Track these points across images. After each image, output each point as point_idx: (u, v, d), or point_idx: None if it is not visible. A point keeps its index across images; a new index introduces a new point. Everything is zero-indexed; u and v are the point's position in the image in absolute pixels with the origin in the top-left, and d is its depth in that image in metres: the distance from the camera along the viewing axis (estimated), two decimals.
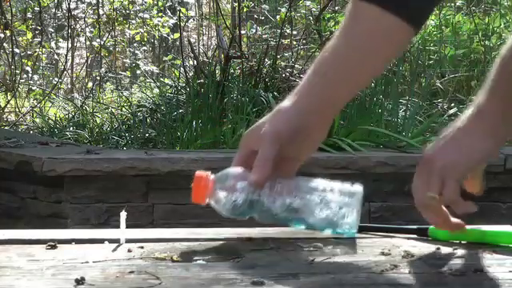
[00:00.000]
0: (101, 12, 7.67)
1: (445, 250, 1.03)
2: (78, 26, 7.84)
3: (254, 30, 6.67)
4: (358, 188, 1.08)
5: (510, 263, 0.95)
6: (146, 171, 3.18)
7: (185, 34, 8.54)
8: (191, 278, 0.87)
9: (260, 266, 0.93)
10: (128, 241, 1.06)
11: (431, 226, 1.10)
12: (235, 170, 1.09)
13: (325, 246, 1.04)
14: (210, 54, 6.47)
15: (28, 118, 6.65)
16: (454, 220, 1.06)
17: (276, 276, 0.88)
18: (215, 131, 3.88)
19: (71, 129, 5.23)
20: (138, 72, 8.28)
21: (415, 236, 1.11)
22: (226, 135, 3.84)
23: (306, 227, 1.09)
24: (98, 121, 5.50)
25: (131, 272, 0.89)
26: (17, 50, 6.97)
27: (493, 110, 1.05)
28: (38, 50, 7.45)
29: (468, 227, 1.07)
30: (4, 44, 6.72)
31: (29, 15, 7.71)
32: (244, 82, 4.67)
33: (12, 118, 6.76)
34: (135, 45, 8.67)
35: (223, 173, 1.09)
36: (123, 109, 5.72)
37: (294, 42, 6.25)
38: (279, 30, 5.71)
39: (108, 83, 8.33)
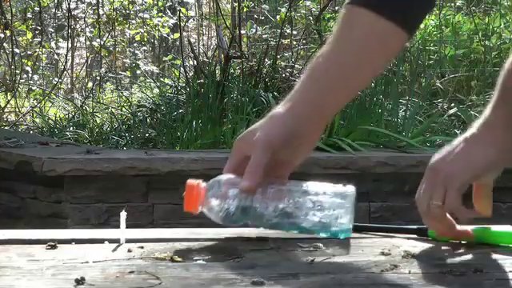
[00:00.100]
0: (101, 12, 7.66)
1: (445, 250, 1.03)
2: (78, 26, 7.83)
3: (254, 30, 6.67)
4: (351, 189, 1.09)
5: (510, 263, 0.95)
6: (145, 171, 3.18)
7: (185, 34, 8.54)
8: (191, 277, 0.87)
9: (260, 265, 0.93)
10: (128, 241, 1.06)
11: None
12: (226, 177, 1.10)
13: (325, 246, 1.04)
14: (210, 53, 6.47)
15: (28, 117, 6.65)
16: (459, 228, 1.06)
17: (276, 276, 0.88)
18: (215, 131, 3.88)
19: (71, 129, 5.23)
20: (138, 72, 8.27)
21: (415, 236, 1.11)
22: (226, 135, 3.84)
23: (300, 231, 1.09)
24: (98, 121, 5.50)
25: (131, 272, 0.89)
26: (17, 50, 6.97)
27: (497, 122, 1.06)
28: (38, 49, 7.45)
29: (468, 227, 1.07)
30: (4, 44, 6.72)
31: (29, 15, 7.71)
32: (244, 82, 4.67)
33: (12, 118, 6.76)
34: (135, 45, 8.67)
35: (215, 180, 1.09)
36: (123, 109, 5.72)
37: (294, 42, 6.25)
38: (279, 30, 5.71)
39: (108, 83, 8.32)
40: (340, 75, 1.11)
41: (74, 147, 3.85)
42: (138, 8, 8.06)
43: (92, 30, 7.78)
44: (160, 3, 8.10)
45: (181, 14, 7.58)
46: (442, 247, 1.04)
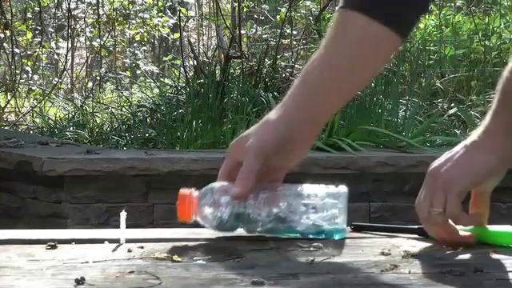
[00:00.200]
0: (101, 12, 7.66)
1: (445, 249, 1.03)
2: (78, 26, 7.83)
3: (254, 30, 6.67)
4: (343, 188, 1.09)
5: (510, 263, 0.95)
6: (146, 171, 3.18)
7: (185, 34, 8.53)
8: (191, 277, 0.87)
9: (260, 265, 0.93)
10: (128, 241, 1.06)
11: None
12: (219, 184, 1.10)
13: (325, 246, 1.04)
14: (210, 54, 6.47)
15: (28, 117, 6.65)
16: (462, 233, 1.06)
17: (276, 276, 0.88)
18: (215, 131, 3.88)
19: (71, 129, 5.23)
20: (138, 72, 8.28)
21: (415, 236, 1.11)
22: (226, 135, 3.84)
23: (295, 235, 1.09)
24: (98, 121, 5.50)
25: (131, 272, 0.89)
26: (17, 50, 6.97)
27: (497, 129, 1.06)
28: (38, 49, 7.45)
29: (468, 227, 1.07)
30: (4, 44, 6.72)
31: (29, 15, 7.71)
32: (244, 81, 4.67)
33: (12, 118, 6.76)
34: (135, 45, 8.67)
35: (207, 188, 1.09)
36: (123, 109, 5.72)
37: (294, 42, 6.25)
38: (279, 30, 5.71)
39: (108, 83, 8.32)
40: (333, 79, 1.11)
41: (74, 147, 3.85)
42: (137, 8, 8.06)
43: (92, 30, 7.78)
44: (160, 3, 8.10)
45: (181, 14, 7.58)
46: (442, 247, 1.04)
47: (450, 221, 1.04)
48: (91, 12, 7.86)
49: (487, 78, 5.22)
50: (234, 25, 6.76)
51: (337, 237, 1.09)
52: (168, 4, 8.34)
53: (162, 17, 7.98)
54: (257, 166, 1.07)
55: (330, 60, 1.11)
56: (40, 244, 1.05)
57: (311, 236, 1.08)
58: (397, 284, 0.86)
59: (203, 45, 8.65)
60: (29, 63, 7.41)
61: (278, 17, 6.51)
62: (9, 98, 6.85)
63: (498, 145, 1.05)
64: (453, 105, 4.82)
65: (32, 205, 3.40)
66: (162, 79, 7.03)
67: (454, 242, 1.05)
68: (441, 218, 1.03)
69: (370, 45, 1.10)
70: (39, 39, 7.55)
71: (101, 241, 1.06)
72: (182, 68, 5.56)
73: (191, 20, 9.15)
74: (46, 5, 7.82)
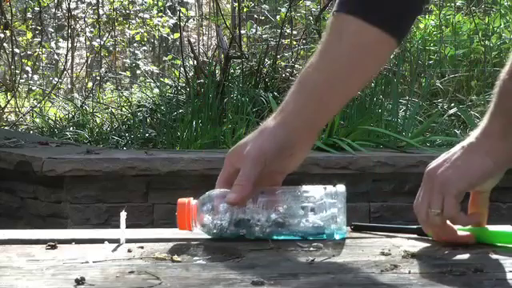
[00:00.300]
0: (101, 12, 7.66)
1: (445, 249, 1.03)
2: (77, 26, 7.84)
3: (254, 30, 6.67)
4: (341, 188, 1.09)
5: (510, 263, 0.95)
6: (145, 171, 3.18)
7: (185, 34, 8.54)
8: (191, 277, 0.87)
9: (260, 266, 0.93)
10: (128, 241, 1.06)
11: None
12: (217, 191, 1.10)
13: (325, 246, 1.04)
14: (210, 54, 6.47)
15: (28, 118, 6.65)
16: (461, 233, 1.06)
17: (276, 276, 0.88)
18: (215, 131, 3.88)
19: (71, 129, 5.23)
20: (138, 72, 8.28)
21: (415, 236, 1.11)
22: (226, 135, 3.84)
23: (295, 237, 1.09)
24: (98, 121, 5.51)
25: (131, 272, 0.89)
26: (17, 50, 6.97)
27: (494, 131, 1.06)
28: (38, 49, 7.45)
29: (468, 227, 1.07)
30: (4, 44, 6.72)
31: (29, 15, 7.71)
32: (244, 81, 4.67)
33: (12, 118, 6.76)
34: (135, 45, 8.67)
35: (205, 196, 1.09)
36: (123, 109, 5.72)
37: (294, 42, 6.25)
38: (279, 30, 5.71)
39: (108, 83, 8.33)
40: (330, 85, 1.11)
41: (74, 147, 3.85)
42: (138, 8, 8.06)
43: (92, 30, 7.78)
44: (160, 3, 8.10)
45: (181, 14, 7.58)
46: (442, 247, 1.04)
47: (448, 222, 1.04)
48: (91, 12, 7.86)
49: (487, 78, 5.23)
50: (234, 25, 6.77)
51: (337, 237, 1.09)
52: (168, 4, 8.35)
53: (161, 17, 7.98)
54: (254, 173, 1.07)
55: (326, 65, 1.11)
56: (40, 244, 1.05)
57: (312, 238, 1.08)
58: (397, 284, 0.86)
59: (203, 45, 8.66)
60: (29, 63, 7.41)
61: (278, 17, 6.51)
62: (9, 97, 6.85)
63: (494, 148, 1.05)
64: (453, 105, 4.82)
65: (32, 205, 3.40)
66: (161, 79, 7.03)
67: (453, 243, 1.05)
68: (439, 219, 1.04)
69: (366, 49, 1.11)
70: (39, 39, 7.55)
71: (101, 241, 1.06)
72: (181, 68, 5.56)
73: (191, 20, 9.15)
74: (45, 5, 7.82)
